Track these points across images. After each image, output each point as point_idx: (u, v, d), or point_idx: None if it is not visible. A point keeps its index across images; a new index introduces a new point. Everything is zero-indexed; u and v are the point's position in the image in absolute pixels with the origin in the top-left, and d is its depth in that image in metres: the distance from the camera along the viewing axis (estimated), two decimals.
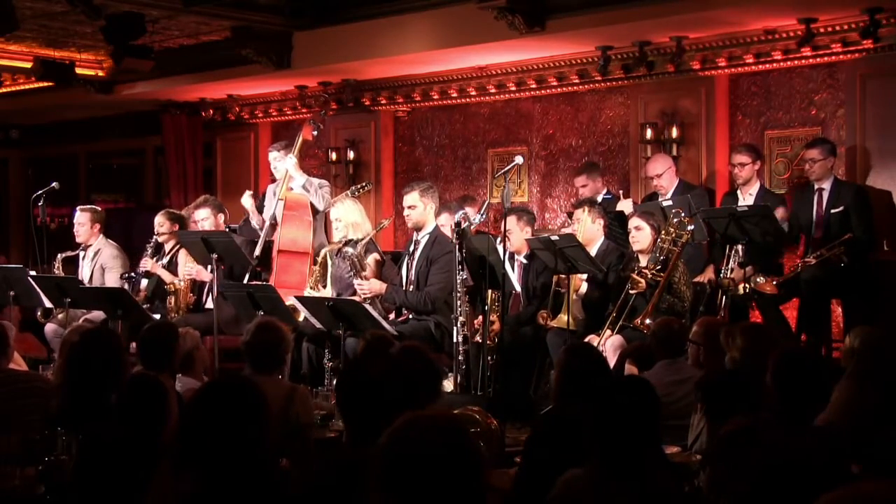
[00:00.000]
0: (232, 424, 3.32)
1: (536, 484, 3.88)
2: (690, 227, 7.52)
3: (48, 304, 8.80)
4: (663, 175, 8.51)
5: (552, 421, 4.38)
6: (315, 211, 8.82)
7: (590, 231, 8.13)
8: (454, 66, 10.32)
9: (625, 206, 8.73)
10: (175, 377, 5.88)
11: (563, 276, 7.64)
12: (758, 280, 7.39)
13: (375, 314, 7.28)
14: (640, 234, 7.71)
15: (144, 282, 9.16)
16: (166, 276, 8.95)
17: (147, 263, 9.04)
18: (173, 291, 8.74)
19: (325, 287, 8.29)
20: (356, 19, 9.93)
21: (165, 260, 9.12)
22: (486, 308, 7.59)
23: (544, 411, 6.51)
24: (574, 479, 3.39)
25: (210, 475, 3.26)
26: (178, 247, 9.12)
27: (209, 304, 8.56)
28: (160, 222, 9.24)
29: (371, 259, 8.05)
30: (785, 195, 8.59)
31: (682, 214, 7.53)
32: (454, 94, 10.71)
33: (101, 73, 11.75)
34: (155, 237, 9.18)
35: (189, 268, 8.74)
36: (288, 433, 5.09)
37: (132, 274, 9.14)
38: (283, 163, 8.95)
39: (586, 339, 7.35)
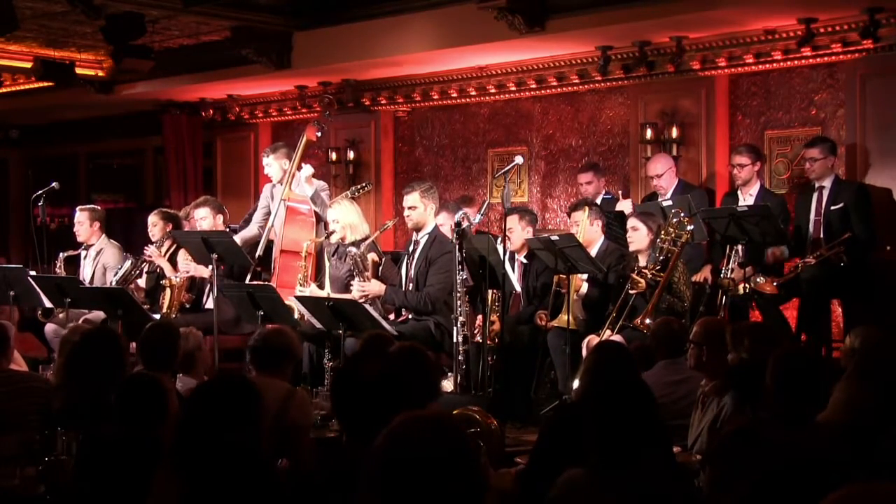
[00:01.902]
0: (226, 422, 3.32)
1: (545, 480, 3.88)
2: (690, 227, 7.52)
3: (48, 304, 8.79)
4: (663, 175, 8.51)
5: (567, 417, 4.38)
6: (318, 218, 8.80)
7: (589, 232, 8.13)
8: (454, 66, 10.33)
9: (624, 206, 8.74)
10: (175, 377, 5.89)
11: (564, 276, 7.64)
12: (758, 280, 7.38)
13: (375, 314, 7.28)
14: (637, 235, 7.71)
15: (142, 280, 9.14)
16: (168, 269, 8.92)
17: (153, 251, 9.02)
18: (169, 287, 8.72)
19: (309, 285, 8.26)
20: (356, 19, 9.94)
21: (165, 258, 9.12)
22: (487, 308, 7.59)
23: (553, 406, 6.54)
24: (573, 480, 3.39)
25: (205, 473, 3.26)
26: (174, 246, 9.13)
27: (209, 304, 8.55)
28: (153, 222, 9.22)
29: (369, 259, 8.05)
30: (785, 195, 8.59)
31: (682, 214, 7.52)
32: (454, 94, 10.71)
33: (101, 73, 11.75)
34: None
35: (186, 265, 8.73)
36: (284, 435, 5.09)
37: (134, 257, 9.11)
38: (302, 171, 8.82)
39: (586, 339, 7.35)
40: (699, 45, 8.98)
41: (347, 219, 8.21)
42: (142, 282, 9.18)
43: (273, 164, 8.98)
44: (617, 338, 7.35)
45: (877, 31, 7.96)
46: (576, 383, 5.53)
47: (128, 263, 9.05)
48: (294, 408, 5.31)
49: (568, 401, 6.37)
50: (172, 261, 9.06)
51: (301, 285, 8.19)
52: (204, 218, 8.91)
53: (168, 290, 8.69)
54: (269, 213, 9.02)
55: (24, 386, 5.57)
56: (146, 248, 9.14)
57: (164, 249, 9.16)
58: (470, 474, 2.58)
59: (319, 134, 9.14)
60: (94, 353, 5.11)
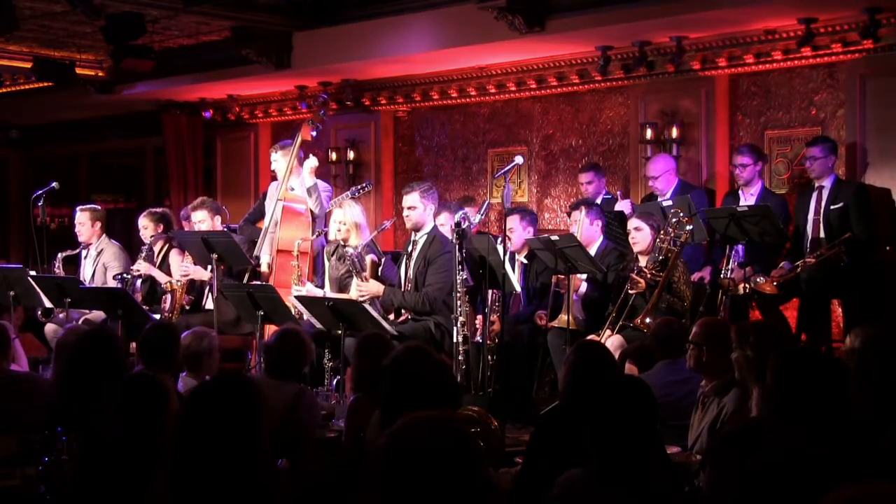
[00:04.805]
0: (226, 422, 3.31)
1: (539, 481, 3.88)
2: (690, 227, 7.52)
3: (48, 304, 8.79)
4: (660, 177, 8.50)
5: (556, 418, 4.38)
6: (313, 215, 8.80)
7: (588, 232, 8.14)
8: (454, 66, 10.33)
9: (624, 206, 8.74)
10: (177, 377, 5.88)
11: (562, 276, 7.65)
12: (758, 280, 7.38)
13: (375, 314, 7.28)
14: (640, 235, 7.70)
15: (138, 283, 9.14)
16: (162, 277, 8.94)
17: (141, 266, 9.02)
18: (170, 291, 8.73)
19: (304, 284, 8.27)
20: (356, 19, 9.94)
21: (158, 261, 9.12)
22: (487, 308, 7.59)
23: (549, 408, 6.53)
24: (573, 480, 3.39)
25: (205, 473, 3.26)
26: (166, 248, 9.13)
27: (209, 304, 8.55)
28: (144, 224, 9.20)
29: (368, 260, 8.05)
30: (785, 195, 8.59)
31: (682, 214, 7.53)
32: (454, 94, 10.71)
33: (101, 73, 11.76)
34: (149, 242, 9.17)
35: (185, 268, 8.73)
36: (292, 433, 5.09)
37: (125, 275, 9.11)
38: (307, 162, 8.83)
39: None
40: (699, 45, 8.98)
41: (353, 219, 8.19)
42: (138, 285, 9.18)
43: (280, 161, 8.99)
44: (617, 338, 7.36)
45: (877, 31, 7.96)
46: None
47: (119, 287, 8.98)
48: (302, 406, 5.31)
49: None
50: (165, 262, 9.07)
51: (296, 284, 8.19)
52: (202, 221, 8.88)
53: (170, 295, 8.70)
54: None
55: (24, 386, 5.58)
56: (135, 264, 9.11)
57: (157, 249, 9.17)
58: (473, 474, 2.58)
59: (315, 133, 9.13)
60: (93, 352, 5.12)
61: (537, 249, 7.90)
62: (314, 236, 8.54)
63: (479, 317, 7.74)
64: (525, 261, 8.30)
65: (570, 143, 10.36)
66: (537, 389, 7.79)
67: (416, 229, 7.98)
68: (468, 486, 2.56)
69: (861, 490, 2.10)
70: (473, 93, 10.59)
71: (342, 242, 8.19)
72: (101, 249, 9.51)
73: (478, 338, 7.63)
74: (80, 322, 8.51)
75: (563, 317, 7.61)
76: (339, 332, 7.21)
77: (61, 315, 8.64)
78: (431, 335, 7.65)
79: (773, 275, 7.52)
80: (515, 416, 7.00)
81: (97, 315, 8.75)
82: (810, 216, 7.85)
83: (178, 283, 8.73)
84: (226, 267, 8.50)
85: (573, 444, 3.63)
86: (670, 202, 8.12)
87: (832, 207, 7.72)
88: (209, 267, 8.27)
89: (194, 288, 8.84)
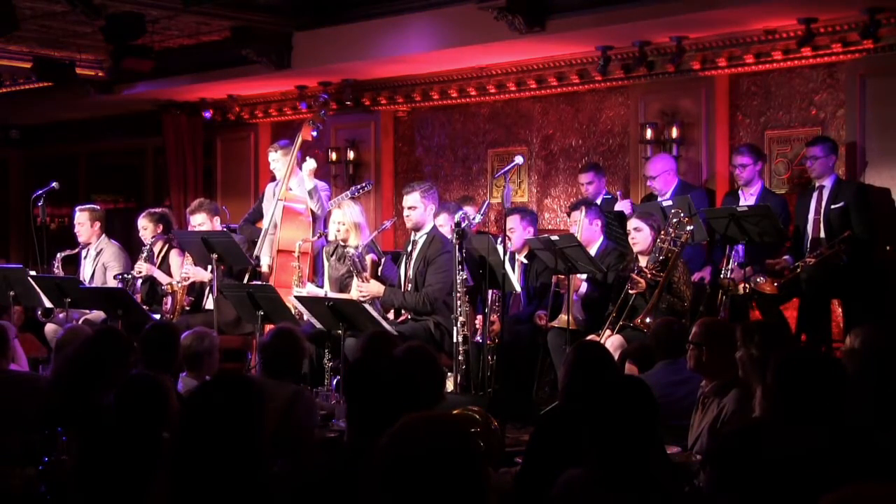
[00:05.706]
0: (226, 422, 3.32)
1: (539, 481, 3.88)
2: (690, 228, 7.52)
3: (48, 304, 8.79)
4: (658, 178, 8.50)
5: (556, 418, 4.38)
6: (313, 216, 8.80)
7: (588, 232, 8.14)
8: (454, 66, 10.33)
9: (624, 206, 8.74)
10: (177, 377, 5.88)
11: (562, 276, 7.65)
12: (758, 280, 7.39)
13: (375, 314, 7.29)
14: (640, 235, 7.70)
15: (138, 283, 9.14)
16: (163, 277, 8.94)
17: (142, 266, 9.02)
18: (171, 293, 8.73)
19: (305, 285, 8.28)
20: (356, 19, 9.94)
21: (157, 262, 9.12)
22: (487, 308, 7.59)
23: (549, 408, 6.54)
24: (573, 480, 3.39)
25: (205, 473, 3.26)
26: (166, 248, 9.13)
27: (209, 305, 8.55)
28: (143, 225, 9.19)
29: (368, 259, 8.06)
30: (785, 195, 8.59)
31: (682, 214, 7.53)
32: (454, 94, 10.71)
33: (101, 74, 11.75)
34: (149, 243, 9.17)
35: (186, 271, 8.73)
36: (289, 434, 5.09)
37: (125, 275, 9.11)
38: (306, 164, 8.83)
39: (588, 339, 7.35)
40: (699, 45, 8.99)
41: (353, 220, 8.19)
42: (138, 286, 9.18)
43: (280, 161, 9.00)
44: (617, 338, 7.36)
45: (877, 31, 7.96)
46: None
47: (120, 287, 8.98)
48: (300, 408, 5.31)
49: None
50: (165, 263, 9.07)
51: (296, 285, 8.20)
52: (201, 224, 8.87)
53: (170, 297, 8.70)
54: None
55: (24, 386, 5.58)
56: (136, 265, 9.12)
57: (157, 249, 9.18)
58: (474, 475, 2.59)
59: (315, 133, 9.13)
60: (102, 352, 5.12)
61: (537, 249, 7.90)
62: (315, 238, 8.54)
63: (479, 317, 7.74)
64: (525, 261, 8.30)
65: (570, 143, 10.36)
66: (537, 389, 7.79)
67: (417, 229, 7.98)
68: (468, 485, 2.56)
69: (860, 490, 2.10)
70: (473, 93, 10.60)
71: (341, 243, 8.20)
72: (101, 249, 9.52)
73: (478, 338, 7.63)
74: (80, 322, 8.50)
75: (563, 317, 7.62)
76: (339, 332, 7.22)
77: (61, 315, 8.65)
78: (431, 335, 7.65)
79: (767, 263, 7.52)
80: (515, 416, 7.00)
81: (97, 315, 8.75)
82: (810, 216, 7.85)
83: (179, 285, 8.73)
84: (226, 267, 8.50)
85: (573, 444, 3.63)
86: (670, 202, 8.11)
87: (832, 207, 7.73)
88: (209, 267, 8.27)
89: (194, 288, 8.84)
